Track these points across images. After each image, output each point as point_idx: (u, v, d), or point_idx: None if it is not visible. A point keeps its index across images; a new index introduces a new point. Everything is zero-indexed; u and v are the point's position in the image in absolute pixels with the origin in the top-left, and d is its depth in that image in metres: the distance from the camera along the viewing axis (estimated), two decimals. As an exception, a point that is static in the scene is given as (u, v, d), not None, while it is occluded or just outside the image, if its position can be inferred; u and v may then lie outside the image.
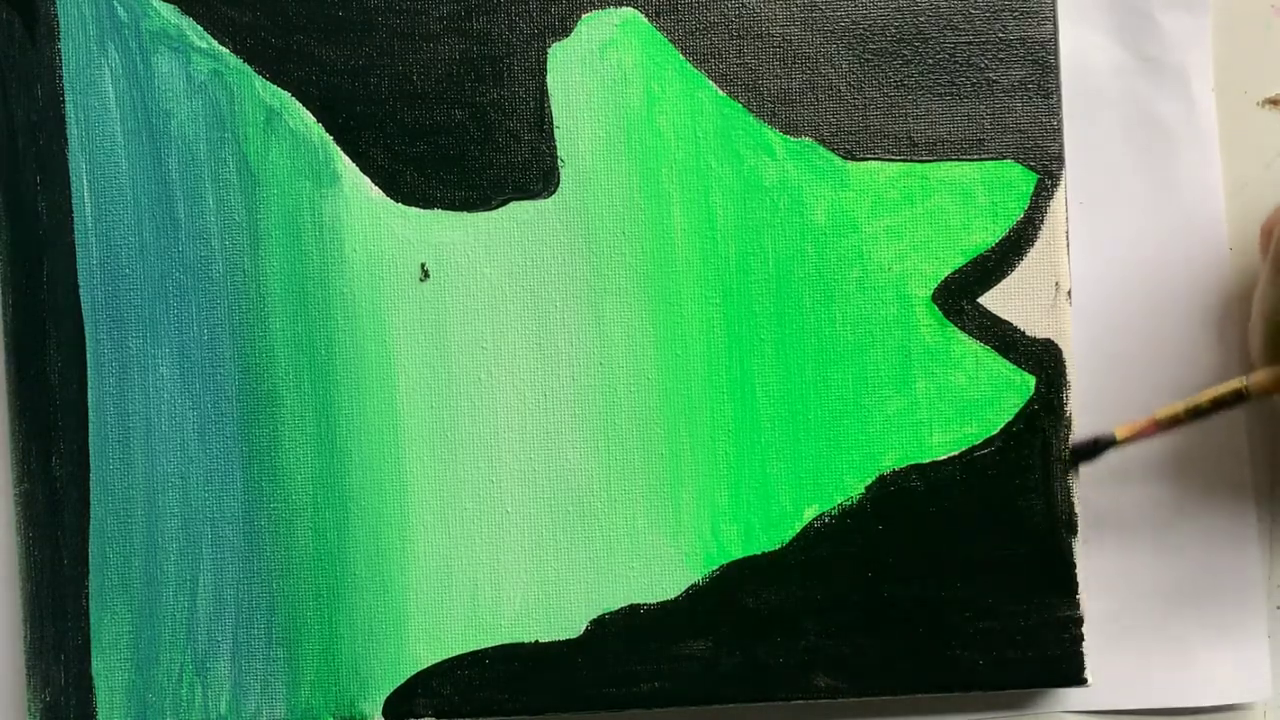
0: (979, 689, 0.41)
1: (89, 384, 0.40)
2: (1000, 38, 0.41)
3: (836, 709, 0.42)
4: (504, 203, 0.41)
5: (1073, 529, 0.41)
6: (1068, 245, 0.41)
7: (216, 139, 0.40)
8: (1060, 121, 0.41)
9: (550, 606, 0.41)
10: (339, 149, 0.40)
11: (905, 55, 0.41)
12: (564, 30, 0.40)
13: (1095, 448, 0.40)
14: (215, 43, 0.40)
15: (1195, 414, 0.39)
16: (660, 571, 0.41)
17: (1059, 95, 0.41)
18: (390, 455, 0.41)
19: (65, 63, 0.40)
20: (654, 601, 0.41)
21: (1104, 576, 0.43)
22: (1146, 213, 0.43)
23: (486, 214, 0.41)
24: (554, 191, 0.41)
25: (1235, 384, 0.38)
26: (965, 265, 0.41)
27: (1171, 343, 0.43)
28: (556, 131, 0.41)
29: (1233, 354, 0.43)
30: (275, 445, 0.41)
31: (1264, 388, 0.38)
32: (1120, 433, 0.40)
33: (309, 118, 0.40)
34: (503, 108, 0.40)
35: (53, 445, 0.40)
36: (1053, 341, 0.41)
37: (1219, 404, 0.38)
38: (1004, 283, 0.41)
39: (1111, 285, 0.42)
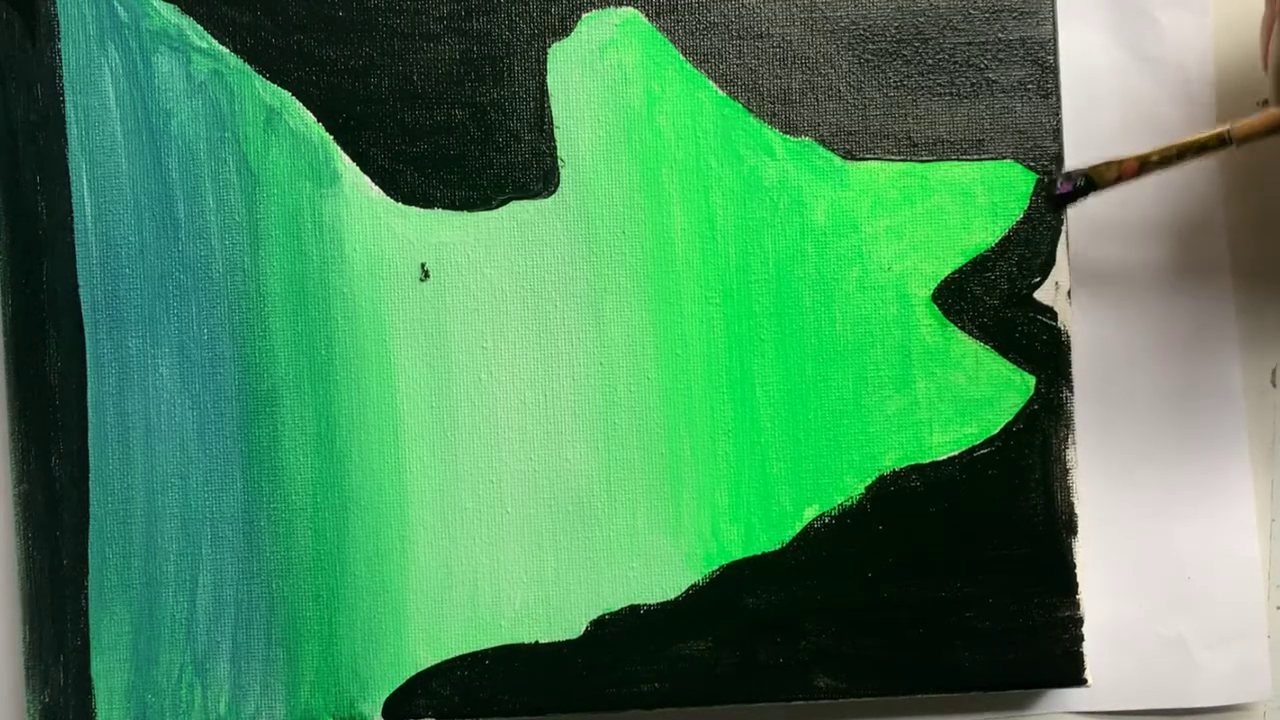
0: (979, 689, 0.41)
1: (89, 384, 0.40)
2: (1000, 38, 0.41)
3: (836, 709, 0.42)
4: (504, 203, 0.41)
5: (1073, 529, 0.41)
6: (1068, 245, 0.41)
7: (216, 139, 0.40)
8: (1060, 121, 0.41)
9: (550, 607, 0.41)
10: (339, 149, 0.40)
11: (905, 56, 0.41)
12: (564, 30, 0.40)
13: (1075, 191, 0.40)
14: (215, 42, 0.40)
15: (1180, 155, 0.38)
16: (660, 572, 0.41)
17: (1059, 95, 0.41)
18: (390, 455, 0.41)
19: (65, 63, 0.40)
20: (654, 602, 0.41)
21: (1105, 576, 0.43)
22: (1146, 212, 0.43)
23: (486, 214, 0.41)
24: (554, 191, 0.41)
25: (1219, 129, 0.38)
26: (965, 265, 0.41)
27: (1172, 342, 0.43)
28: (556, 131, 0.41)
29: (1232, 349, 0.43)
30: (275, 445, 0.41)
31: (1249, 131, 0.37)
32: (1099, 175, 0.39)
33: (309, 118, 0.40)
34: (503, 108, 0.40)
35: (53, 445, 0.40)
36: (1053, 341, 0.41)
37: (1203, 147, 0.38)
38: (1004, 283, 0.41)
39: (1111, 285, 0.42)
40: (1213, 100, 0.42)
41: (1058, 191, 0.40)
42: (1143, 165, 0.38)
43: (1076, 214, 0.42)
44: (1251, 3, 0.43)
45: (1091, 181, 0.39)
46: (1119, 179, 0.39)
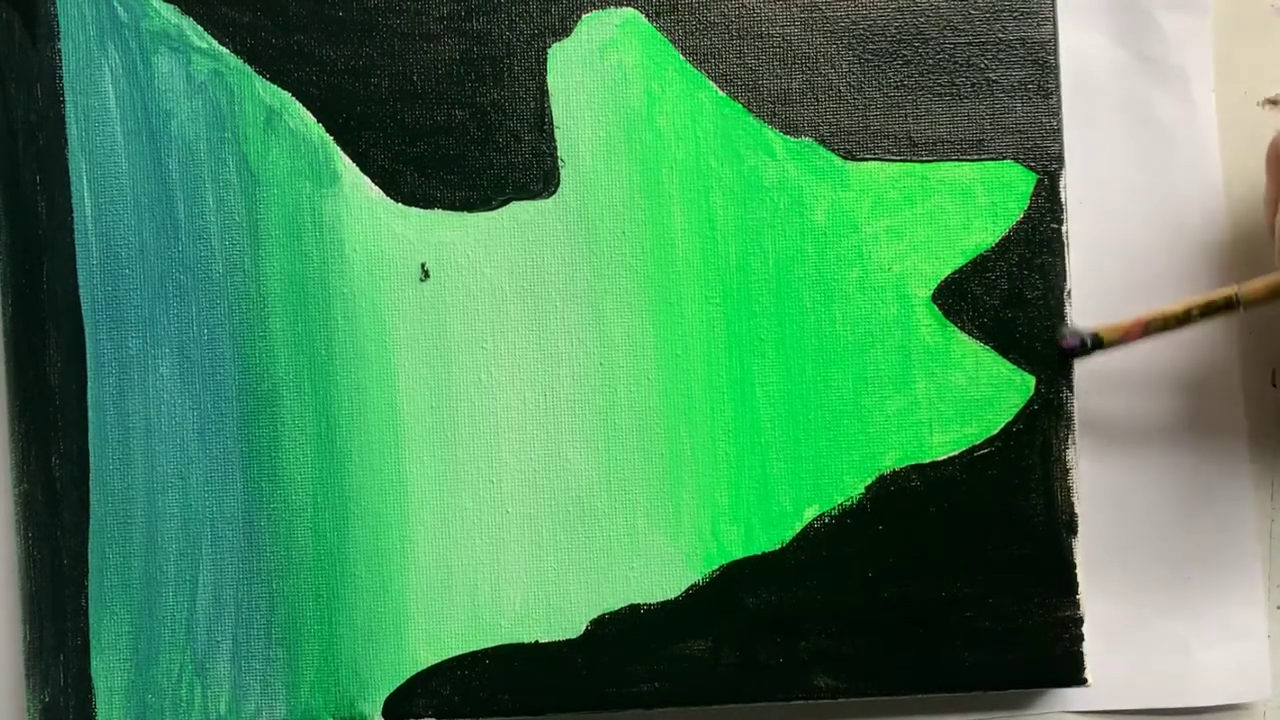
0: (979, 689, 0.41)
1: (89, 384, 0.40)
2: (1000, 38, 0.41)
3: (836, 709, 0.42)
4: (504, 203, 0.41)
5: (1073, 529, 0.41)
6: (1068, 245, 0.41)
7: (216, 139, 0.40)
8: (1060, 121, 0.41)
9: (550, 606, 0.41)
10: (339, 149, 0.40)
11: (905, 55, 0.41)
12: (564, 30, 0.40)
13: (1083, 347, 0.40)
14: (215, 43, 0.40)
15: (1185, 319, 0.38)
16: (660, 571, 0.41)
17: (1059, 95, 0.41)
18: (390, 455, 0.41)
19: (65, 63, 0.40)
20: (654, 601, 0.41)
21: (1105, 576, 0.43)
22: (1146, 213, 0.43)
23: (486, 214, 0.41)
24: (554, 191, 0.41)
25: (1227, 291, 0.38)
26: (965, 265, 0.41)
27: (1171, 342, 0.43)
28: (556, 131, 0.41)
29: (1233, 353, 0.43)
30: (275, 445, 0.41)
31: (1257, 295, 0.37)
32: (1107, 334, 0.39)
33: (309, 118, 0.40)
34: (503, 108, 0.40)
35: (53, 445, 0.40)
36: (1053, 341, 0.41)
37: (1210, 310, 0.38)
38: (1004, 283, 0.41)
39: (1111, 285, 0.42)
40: (1212, 100, 0.42)
41: (1064, 345, 0.40)
42: (1148, 329, 0.39)
43: (1077, 220, 0.42)
44: (1251, 3, 0.43)
45: (1099, 340, 0.40)
46: (1125, 339, 0.39)
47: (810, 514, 0.41)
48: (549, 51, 0.40)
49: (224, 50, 0.40)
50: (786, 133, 0.41)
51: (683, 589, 0.41)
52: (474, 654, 0.41)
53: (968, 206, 0.41)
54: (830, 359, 0.41)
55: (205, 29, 0.40)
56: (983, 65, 0.41)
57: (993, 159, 0.41)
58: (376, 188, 0.40)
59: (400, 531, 0.41)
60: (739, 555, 0.41)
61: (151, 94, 0.40)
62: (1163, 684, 0.43)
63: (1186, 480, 0.43)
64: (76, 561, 0.40)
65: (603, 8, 0.40)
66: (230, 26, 0.40)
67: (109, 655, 0.40)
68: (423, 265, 0.41)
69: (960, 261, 0.41)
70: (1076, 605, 0.41)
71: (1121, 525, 0.43)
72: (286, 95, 0.40)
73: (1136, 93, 0.42)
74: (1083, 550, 0.41)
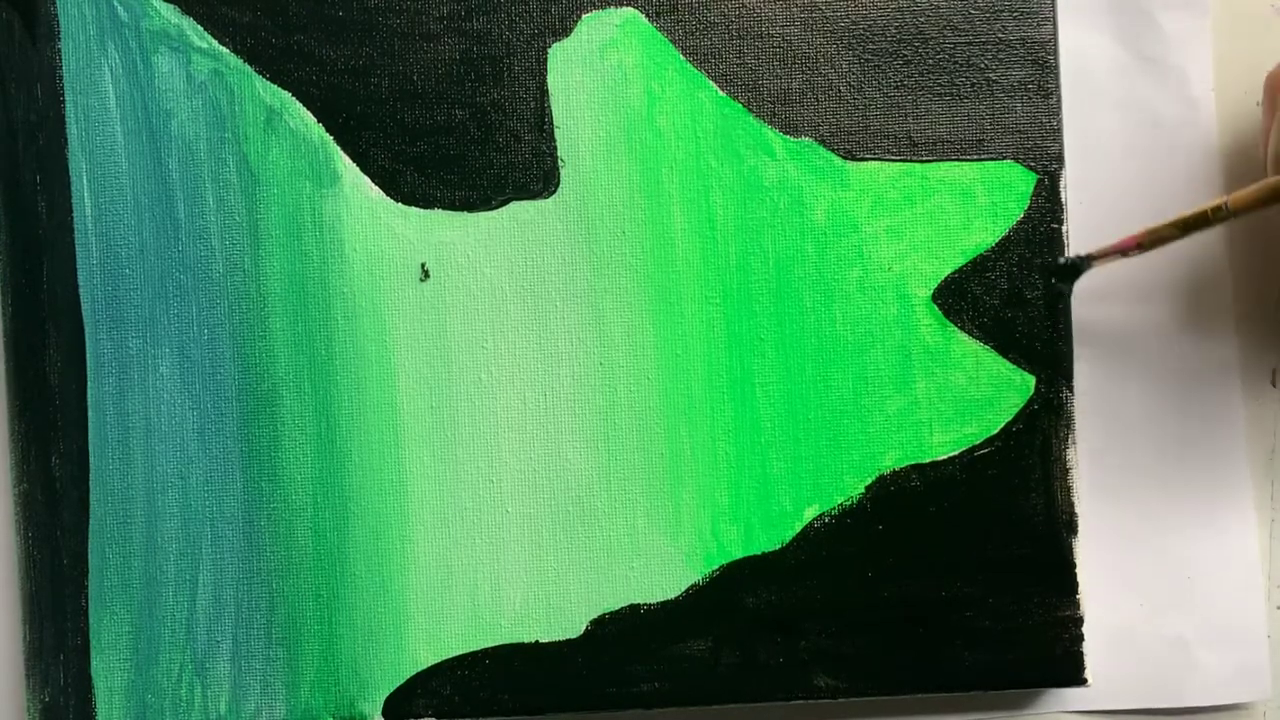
0: (979, 689, 0.41)
1: (89, 384, 0.40)
2: (1000, 38, 0.41)
3: (836, 709, 0.42)
4: (504, 203, 0.41)
5: (1073, 529, 0.41)
6: (1068, 245, 0.41)
7: (216, 139, 0.40)
8: (1060, 121, 0.41)
9: (550, 606, 0.41)
10: (339, 149, 0.40)
11: (905, 55, 0.41)
12: (564, 30, 0.40)
13: (1076, 266, 0.40)
14: (215, 42, 0.40)
15: (1178, 228, 0.38)
16: (660, 571, 0.41)
17: (1059, 95, 0.41)
18: (390, 455, 0.41)
19: (65, 63, 0.40)
20: (654, 601, 0.41)
21: (1105, 576, 0.43)
22: (1146, 213, 0.43)
23: (486, 214, 0.41)
24: (554, 191, 0.41)
25: (1216, 201, 0.38)
26: (965, 265, 0.41)
27: (1172, 343, 0.43)
28: (556, 131, 0.41)
29: (1231, 351, 0.43)
30: (275, 445, 0.41)
31: (1244, 203, 0.37)
32: (1100, 252, 0.40)
33: (309, 118, 0.40)
34: (503, 108, 0.40)
35: (53, 445, 0.40)
36: (1053, 341, 0.41)
37: (1200, 220, 0.38)
38: (1004, 282, 0.41)
39: (1111, 285, 0.42)
40: (1212, 100, 0.42)
41: (1062, 271, 0.40)
42: (1140, 245, 0.39)
43: (1077, 220, 0.42)
44: (1251, 3, 0.43)
45: (1091, 257, 0.40)
46: (1122, 254, 0.39)
47: (810, 514, 0.41)
48: (549, 51, 0.40)
49: (224, 50, 0.40)
50: (786, 133, 0.41)
51: (683, 589, 0.41)
52: (474, 654, 0.41)
53: (968, 206, 0.41)
54: (830, 359, 0.41)
55: (205, 29, 0.40)
56: (983, 65, 0.41)
57: (993, 159, 0.41)
58: (376, 188, 0.41)
59: (400, 531, 0.41)
60: (739, 555, 0.41)
61: (151, 94, 0.40)
62: (1163, 684, 0.43)
63: (1186, 481, 0.43)
64: (76, 561, 0.40)
65: (603, 8, 0.40)
66: (230, 26, 0.40)
67: (109, 655, 0.40)
68: (423, 265, 0.41)
69: (960, 261, 0.41)
70: (1076, 605, 0.41)
71: (1121, 525, 0.43)
72: (286, 95, 0.40)
73: (1136, 93, 0.42)
74: (1083, 550, 0.41)
